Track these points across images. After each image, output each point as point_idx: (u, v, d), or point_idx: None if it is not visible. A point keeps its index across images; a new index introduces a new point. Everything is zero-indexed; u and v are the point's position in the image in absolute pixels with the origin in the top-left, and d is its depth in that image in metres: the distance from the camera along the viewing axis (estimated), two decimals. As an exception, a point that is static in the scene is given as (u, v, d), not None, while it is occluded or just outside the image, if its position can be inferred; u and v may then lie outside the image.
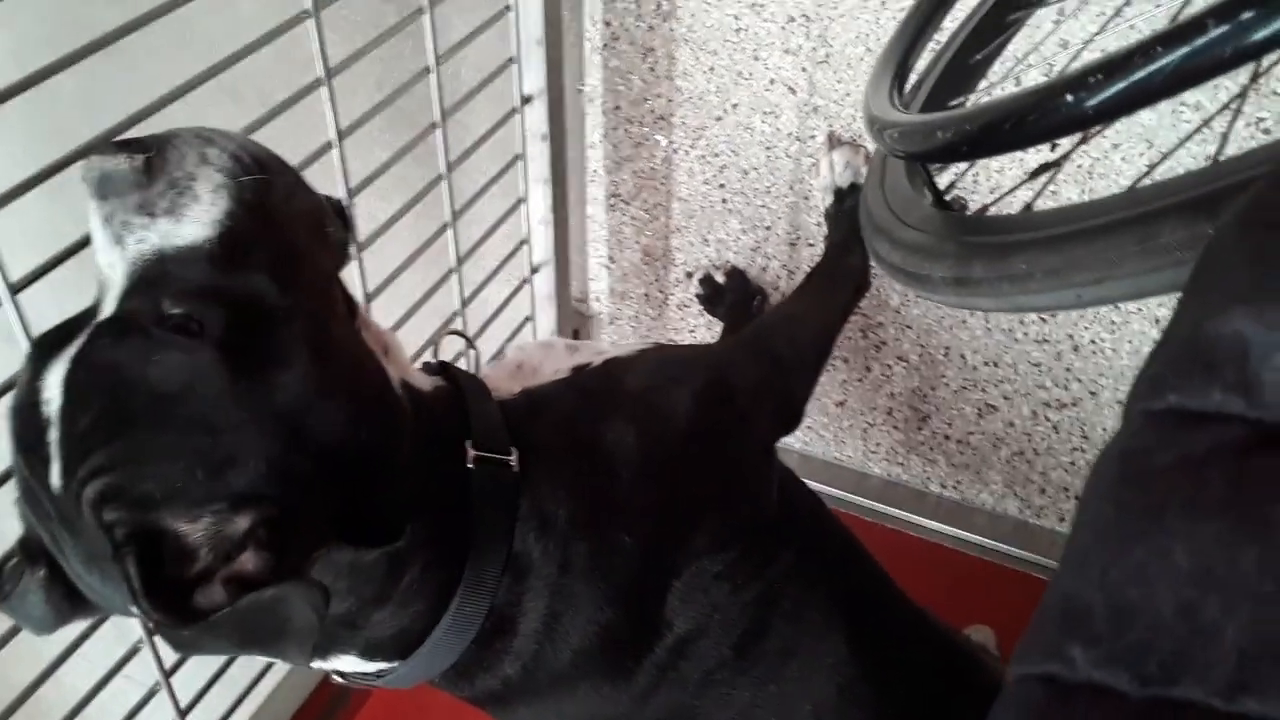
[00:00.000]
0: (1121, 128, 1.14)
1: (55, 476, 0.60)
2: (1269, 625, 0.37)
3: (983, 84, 1.00)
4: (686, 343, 1.53)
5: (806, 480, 0.93)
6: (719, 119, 1.34)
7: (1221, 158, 0.69)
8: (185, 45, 0.97)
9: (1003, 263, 0.77)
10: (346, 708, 1.23)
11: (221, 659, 1.04)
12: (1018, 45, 1.05)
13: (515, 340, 1.43)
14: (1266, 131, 1.08)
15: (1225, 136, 1.05)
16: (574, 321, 1.56)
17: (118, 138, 0.63)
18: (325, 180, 0.85)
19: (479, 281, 1.31)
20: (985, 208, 1.15)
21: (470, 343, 0.94)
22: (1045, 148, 1.11)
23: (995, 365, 1.34)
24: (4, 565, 0.66)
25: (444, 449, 0.73)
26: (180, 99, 0.81)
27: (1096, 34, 1.07)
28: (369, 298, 1.09)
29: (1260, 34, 0.50)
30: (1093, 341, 1.27)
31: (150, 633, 0.90)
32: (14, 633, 0.78)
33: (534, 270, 1.41)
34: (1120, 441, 0.45)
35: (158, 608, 0.58)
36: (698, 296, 1.47)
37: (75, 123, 0.77)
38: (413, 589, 0.71)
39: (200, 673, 1.01)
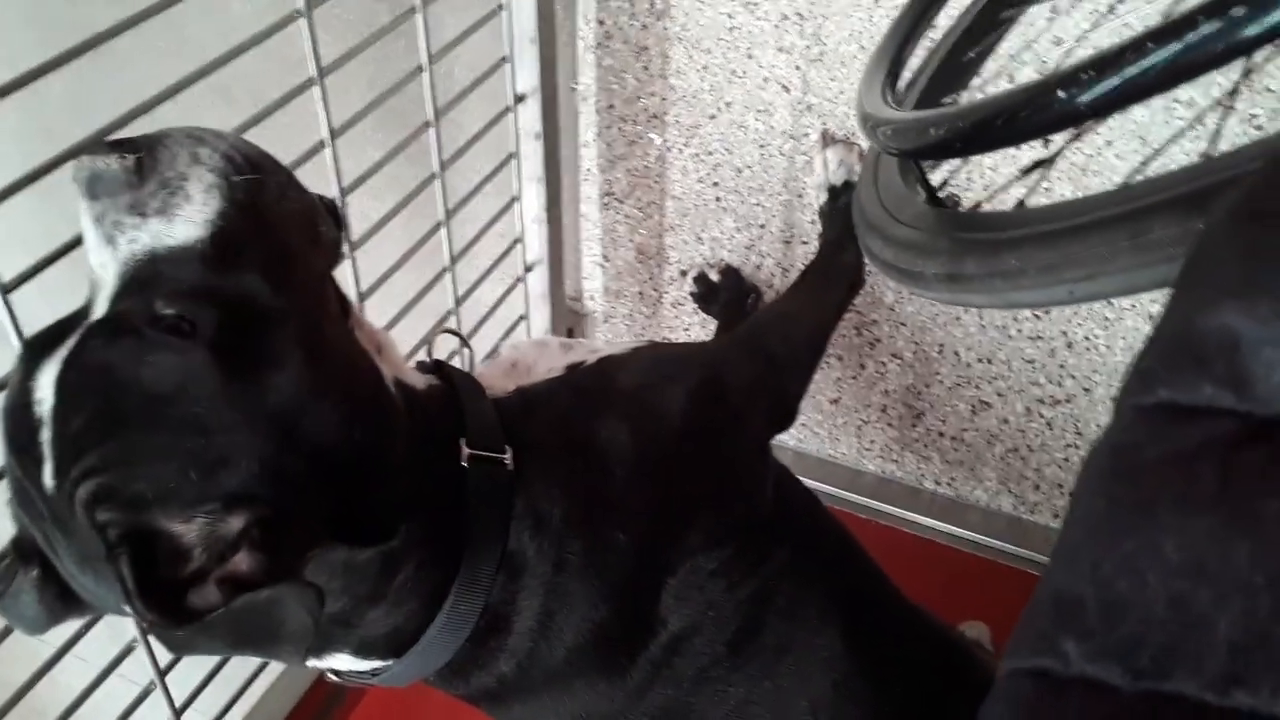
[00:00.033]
0: (1114, 124, 1.14)
1: (48, 477, 0.59)
2: (1260, 618, 0.37)
3: (976, 81, 1.00)
4: (681, 341, 1.53)
5: (801, 477, 0.93)
6: (713, 117, 1.34)
7: (1214, 154, 0.70)
8: (177, 45, 0.97)
9: (995, 259, 0.77)
10: (342, 706, 1.23)
11: (216, 658, 1.03)
12: (1011, 43, 1.05)
13: (509, 339, 1.43)
14: (1259, 127, 1.08)
15: (1217, 132, 1.05)
16: (568, 320, 1.55)
17: (109, 138, 0.63)
18: (318, 179, 0.85)
19: (473, 280, 1.31)
20: (978, 204, 1.15)
21: (464, 341, 0.94)
22: (1038, 144, 1.12)
23: (989, 362, 1.34)
24: (-2, 566, 0.66)
25: (438, 448, 0.73)
26: (172, 99, 0.81)
27: (1089, 30, 1.07)
28: (362, 297, 1.09)
29: (1251, 29, 0.50)
30: (1086, 338, 1.27)
31: (145, 632, 0.90)
32: (8, 632, 0.78)
33: (528, 269, 1.41)
34: (1111, 436, 0.45)
35: (151, 608, 0.57)
36: (692, 295, 1.47)
37: (66, 123, 0.76)
38: (407, 587, 0.71)
39: (195, 671, 1.01)
